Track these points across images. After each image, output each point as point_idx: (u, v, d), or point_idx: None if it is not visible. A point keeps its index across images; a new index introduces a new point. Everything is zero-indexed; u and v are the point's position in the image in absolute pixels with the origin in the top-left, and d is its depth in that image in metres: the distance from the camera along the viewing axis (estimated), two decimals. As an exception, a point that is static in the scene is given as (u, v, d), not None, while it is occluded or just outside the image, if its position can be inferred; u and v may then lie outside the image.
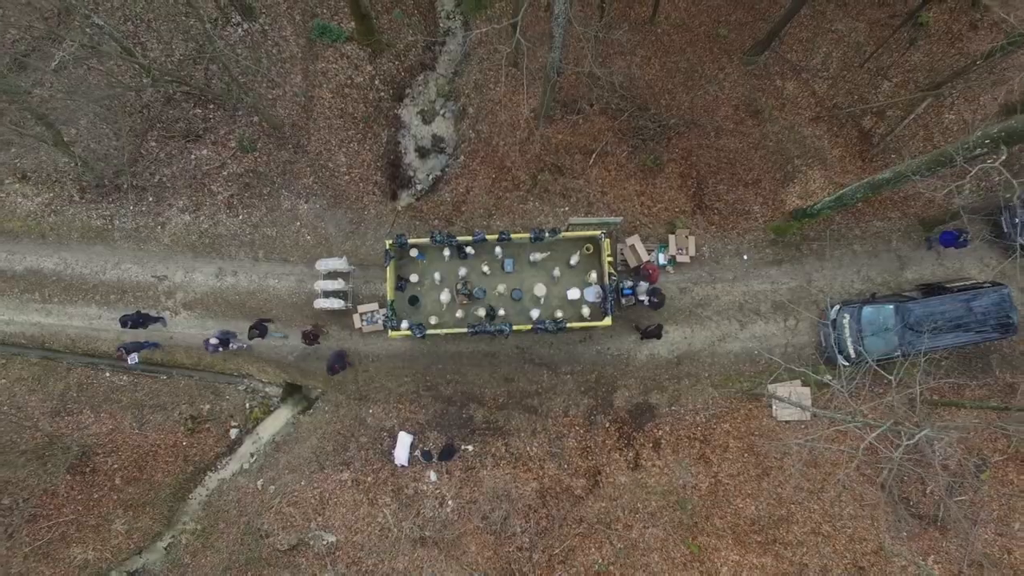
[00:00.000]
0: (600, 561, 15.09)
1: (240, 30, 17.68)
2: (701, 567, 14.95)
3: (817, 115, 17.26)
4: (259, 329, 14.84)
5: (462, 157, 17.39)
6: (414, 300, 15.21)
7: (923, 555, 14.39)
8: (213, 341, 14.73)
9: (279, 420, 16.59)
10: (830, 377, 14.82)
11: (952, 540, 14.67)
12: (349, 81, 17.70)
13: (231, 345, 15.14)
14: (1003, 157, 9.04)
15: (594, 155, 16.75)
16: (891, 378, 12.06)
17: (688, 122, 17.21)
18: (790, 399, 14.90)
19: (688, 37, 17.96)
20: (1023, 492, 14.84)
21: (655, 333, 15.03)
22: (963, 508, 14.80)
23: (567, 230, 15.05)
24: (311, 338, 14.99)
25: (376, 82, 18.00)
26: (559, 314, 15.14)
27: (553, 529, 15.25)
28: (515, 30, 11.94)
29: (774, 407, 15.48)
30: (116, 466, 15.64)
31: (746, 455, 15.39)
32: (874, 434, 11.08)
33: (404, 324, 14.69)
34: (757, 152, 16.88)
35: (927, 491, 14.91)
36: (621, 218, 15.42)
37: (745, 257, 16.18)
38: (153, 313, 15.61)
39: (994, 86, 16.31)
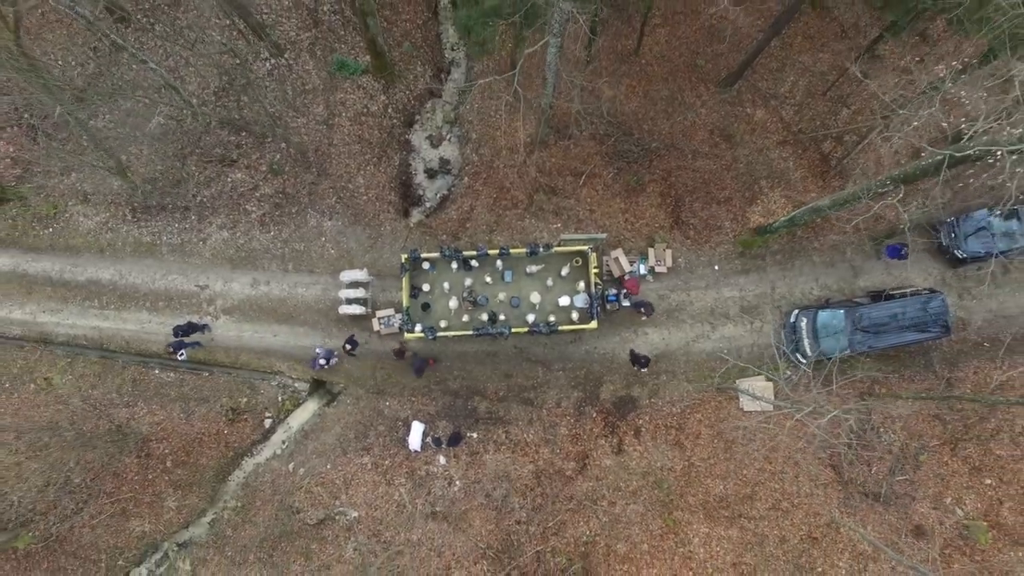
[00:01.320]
0: (588, 533, 17.35)
1: (268, 64, 19.85)
2: (675, 538, 17.20)
3: (784, 139, 19.33)
4: (352, 344, 17.22)
5: (466, 178, 19.55)
6: (426, 306, 17.43)
7: (864, 525, 16.57)
8: (321, 361, 17.22)
9: (307, 412, 18.88)
10: (789, 373, 17.05)
11: (893, 513, 16.87)
12: (365, 110, 19.86)
13: (332, 361, 17.61)
14: (900, 195, 11.13)
15: (584, 176, 18.89)
16: (807, 369, 14.35)
17: (668, 145, 19.31)
18: (751, 392, 17.08)
19: (669, 68, 20.04)
20: (956, 472, 17.01)
21: (644, 363, 17.29)
22: (903, 486, 17.01)
23: (559, 245, 17.23)
24: (400, 354, 17.51)
25: (389, 110, 20.15)
26: (552, 318, 17.35)
27: (547, 505, 17.51)
28: (514, 80, 14.07)
29: (741, 399, 17.68)
30: (167, 451, 17.98)
31: (715, 441, 17.60)
32: (798, 415, 13.28)
33: (418, 327, 16.92)
34: (729, 173, 18.98)
35: (872, 471, 17.10)
36: (606, 234, 17.57)
37: (716, 267, 18.33)
38: (199, 321, 17.87)
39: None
